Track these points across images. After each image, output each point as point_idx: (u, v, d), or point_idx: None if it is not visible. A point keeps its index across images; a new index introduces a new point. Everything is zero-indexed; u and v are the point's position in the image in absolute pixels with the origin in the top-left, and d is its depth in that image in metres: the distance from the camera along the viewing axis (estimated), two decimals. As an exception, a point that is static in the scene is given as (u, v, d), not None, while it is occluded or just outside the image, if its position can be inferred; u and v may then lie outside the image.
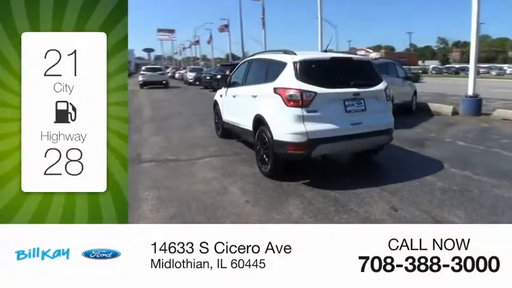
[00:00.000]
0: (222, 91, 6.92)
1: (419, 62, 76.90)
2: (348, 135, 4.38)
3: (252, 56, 6.34)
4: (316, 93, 4.23)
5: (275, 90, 4.50)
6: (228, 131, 6.63)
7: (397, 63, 10.67)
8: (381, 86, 4.74)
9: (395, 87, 8.88)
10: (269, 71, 5.02)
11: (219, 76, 16.64)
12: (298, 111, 4.21)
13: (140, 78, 24.56)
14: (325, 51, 5.37)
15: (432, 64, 66.26)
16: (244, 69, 6.14)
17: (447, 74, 50.74)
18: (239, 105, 5.86)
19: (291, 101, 4.26)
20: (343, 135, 4.34)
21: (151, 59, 63.33)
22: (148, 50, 61.66)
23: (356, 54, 6.59)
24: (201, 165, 5.40)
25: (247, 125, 5.24)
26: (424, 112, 10.39)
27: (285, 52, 4.88)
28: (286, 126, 4.29)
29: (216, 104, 7.24)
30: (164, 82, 24.22)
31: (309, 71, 4.45)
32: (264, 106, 4.77)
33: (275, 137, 4.43)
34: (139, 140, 7.31)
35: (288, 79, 4.46)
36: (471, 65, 9.79)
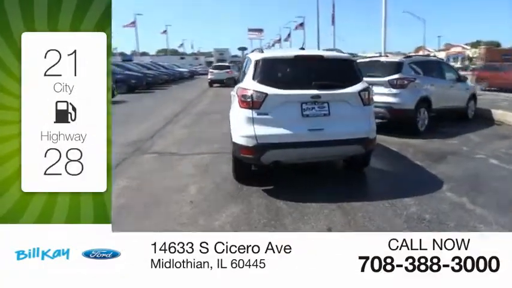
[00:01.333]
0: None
1: (531, 60, 68.78)
2: (305, 142, 3.92)
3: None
4: (267, 94, 3.89)
5: (237, 90, 4.31)
6: None
7: (445, 62, 9.51)
8: (355, 88, 4.11)
9: (436, 91, 7.78)
10: (244, 70, 4.86)
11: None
12: (249, 113, 3.92)
13: (209, 76, 24.42)
14: (302, 48, 5.00)
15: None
16: (241, 68, 6.15)
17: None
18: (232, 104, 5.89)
19: (244, 102, 3.98)
20: (298, 142, 3.91)
21: (243, 57, 65.44)
22: (242, 49, 63.66)
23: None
24: (191, 160, 5.42)
25: None
26: (483, 120, 8.63)
27: (259, 50, 4.61)
28: (239, 128, 4.03)
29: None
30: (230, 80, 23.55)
31: (266, 70, 4.12)
32: (232, 107, 4.58)
33: (233, 139, 4.16)
34: (166, 132, 7.58)
35: (248, 79, 4.20)
36: None
